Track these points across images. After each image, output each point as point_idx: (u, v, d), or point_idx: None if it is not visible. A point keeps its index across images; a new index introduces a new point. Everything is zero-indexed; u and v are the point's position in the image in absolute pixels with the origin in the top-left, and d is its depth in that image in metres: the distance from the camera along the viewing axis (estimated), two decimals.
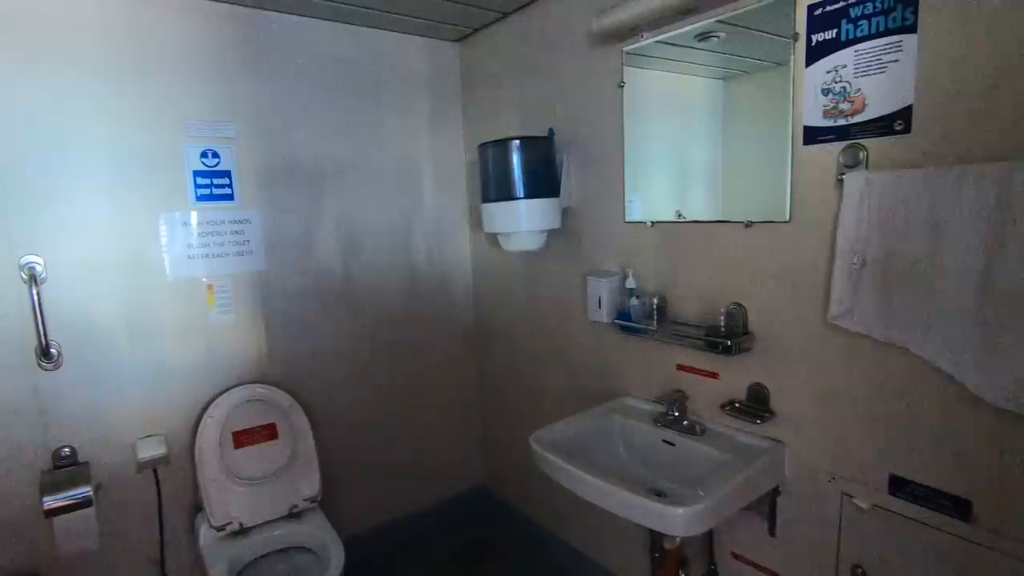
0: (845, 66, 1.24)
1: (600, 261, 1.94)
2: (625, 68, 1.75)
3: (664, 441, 1.63)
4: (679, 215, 1.70)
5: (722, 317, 1.50)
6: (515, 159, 1.92)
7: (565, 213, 2.03)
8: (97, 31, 1.72)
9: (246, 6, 1.95)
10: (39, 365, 1.70)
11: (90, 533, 1.67)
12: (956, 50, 1.08)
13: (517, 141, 1.92)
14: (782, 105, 1.36)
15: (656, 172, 1.82)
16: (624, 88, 1.76)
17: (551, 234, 2.04)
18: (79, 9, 1.69)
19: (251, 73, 2.00)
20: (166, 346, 1.91)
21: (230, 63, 1.95)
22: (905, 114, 1.16)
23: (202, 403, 1.97)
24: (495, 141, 1.96)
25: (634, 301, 1.75)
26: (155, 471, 1.89)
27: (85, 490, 1.66)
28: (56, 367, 1.72)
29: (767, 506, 1.51)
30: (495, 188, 1.97)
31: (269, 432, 2.02)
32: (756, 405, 1.52)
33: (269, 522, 1.95)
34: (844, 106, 1.25)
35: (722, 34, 1.52)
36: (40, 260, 1.67)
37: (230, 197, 1.98)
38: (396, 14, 2.12)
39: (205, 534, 1.87)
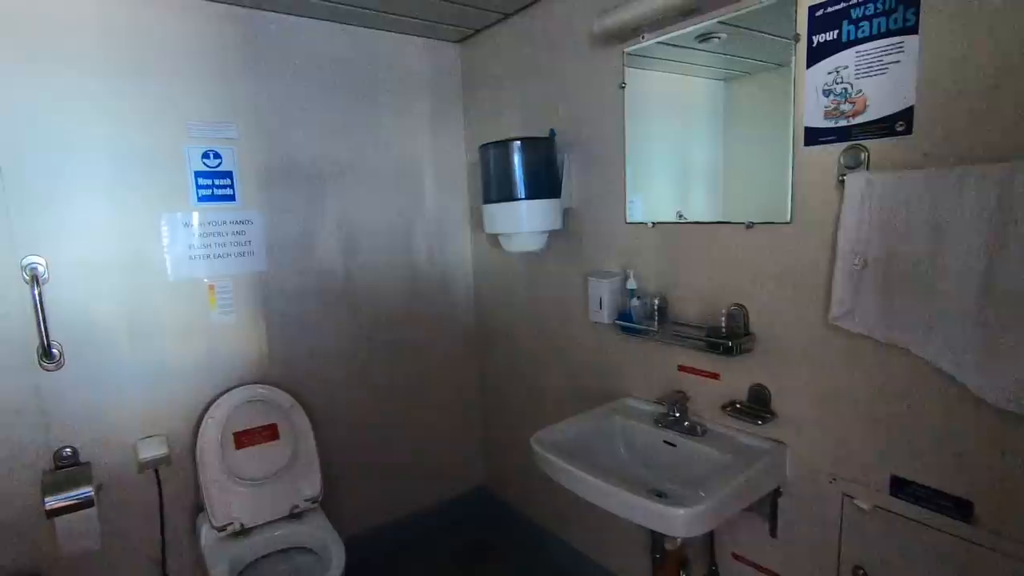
0: (846, 67, 1.24)
1: (601, 262, 1.94)
2: (626, 69, 1.75)
3: (665, 442, 1.63)
4: (680, 216, 1.70)
5: (723, 318, 1.50)
6: (516, 160, 1.92)
7: (566, 214, 2.03)
8: (98, 31, 1.72)
9: (245, 7, 1.95)
10: (41, 365, 1.70)
11: (92, 533, 1.67)
12: (957, 50, 1.08)
13: (518, 142, 1.92)
14: (783, 106, 1.36)
15: (657, 173, 1.82)
16: (625, 89, 1.76)
17: (552, 235, 2.04)
18: (79, 9, 1.69)
19: (252, 74, 2.00)
20: (167, 346, 1.91)
21: (230, 63, 1.96)
22: (906, 115, 1.16)
23: (203, 403, 1.97)
24: (496, 142, 1.96)
25: (635, 302, 1.75)
26: (156, 471, 1.89)
27: (86, 490, 1.66)
28: (58, 367, 1.72)
29: (768, 507, 1.51)
30: (496, 189, 1.97)
31: (270, 432, 2.03)
32: (757, 406, 1.52)
33: (270, 522, 1.95)
34: (845, 107, 1.25)
35: (723, 35, 1.52)
36: (42, 260, 1.68)
37: (231, 198, 1.99)
38: (396, 15, 2.12)
39: (206, 534, 1.87)
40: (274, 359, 2.13)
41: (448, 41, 2.45)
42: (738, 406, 1.56)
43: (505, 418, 2.64)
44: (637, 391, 1.88)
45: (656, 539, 1.74)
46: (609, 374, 1.98)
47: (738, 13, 1.43)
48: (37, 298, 1.64)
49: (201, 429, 1.91)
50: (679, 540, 1.65)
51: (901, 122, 1.17)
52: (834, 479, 1.39)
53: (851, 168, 1.24)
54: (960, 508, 1.18)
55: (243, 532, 1.90)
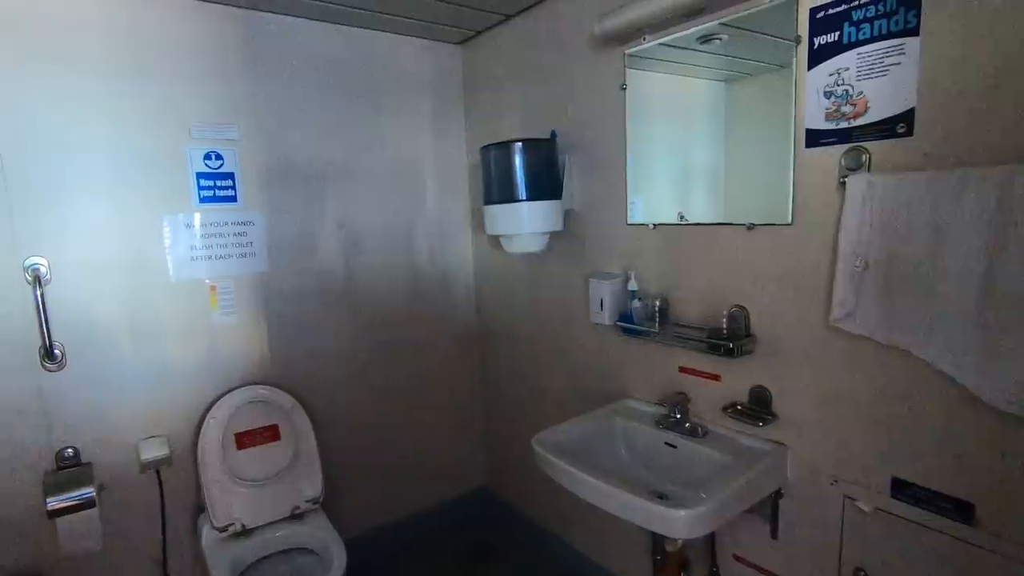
0: (847, 69, 1.24)
1: (602, 263, 1.94)
2: (627, 70, 1.75)
3: (666, 443, 1.63)
4: (681, 217, 1.70)
5: (724, 319, 1.50)
6: (517, 161, 1.92)
7: (567, 215, 2.03)
8: (98, 32, 1.73)
9: (243, 7, 1.94)
10: (43, 366, 1.70)
11: (93, 534, 1.68)
12: (958, 51, 1.09)
13: (519, 143, 1.92)
14: (784, 108, 1.36)
15: (658, 174, 1.83)
16: (626, 90, 1.76)
17: (553, 236, 2.04)
18: (80, 10, 1.69)
19: (253, 74, 2.00)
20: (169, 347, 1.91)
21: (231, 64, 1.96)
22: (907, 117, 1.16)
23: (205, 404, 1.97)
24: (497, 143, 1.96)
25: (636, 303, 1.75)
26: (158, 472, 1.90)
27: (88, 491, 1.66)
28: (60, 368, 1.73)
29: (769, 509, 1.51)
30: (497, 190, 1.98)
31: (271, 433, 2.03)
32: (758, 407, 1.52)
33: (271, 523, 1.96)
34: (846, 109, 1.25)
35: (724, 36, 1.52)
36: (44, 261, 1.68)
37: (233, 199, 1.99)
38: (397, 16, 2.13)
39: (207, 535, 1.88)
40: (275, 360, 2.14)
41: (449, 43, 2.46)
42: (739, 408, 1.56)
43: (506, 418, 2.64)
44: (638, 392, 1.88)
45: (657, 540, 1.74)
46: (610, 375, 1.99)
47: (739, 15, 1.43)
48: (39, 299, 1.64)
49: (202, 430, 1.92)
50: (680, 542, 1.64)
51: (902, 124, 1.17)
52: (835, 481, 1.39)
53: (852, 170, 1.24)
54: (961, 510, 1.18)
55: (244, 533, 1.90)
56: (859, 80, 1.22)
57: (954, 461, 1.18)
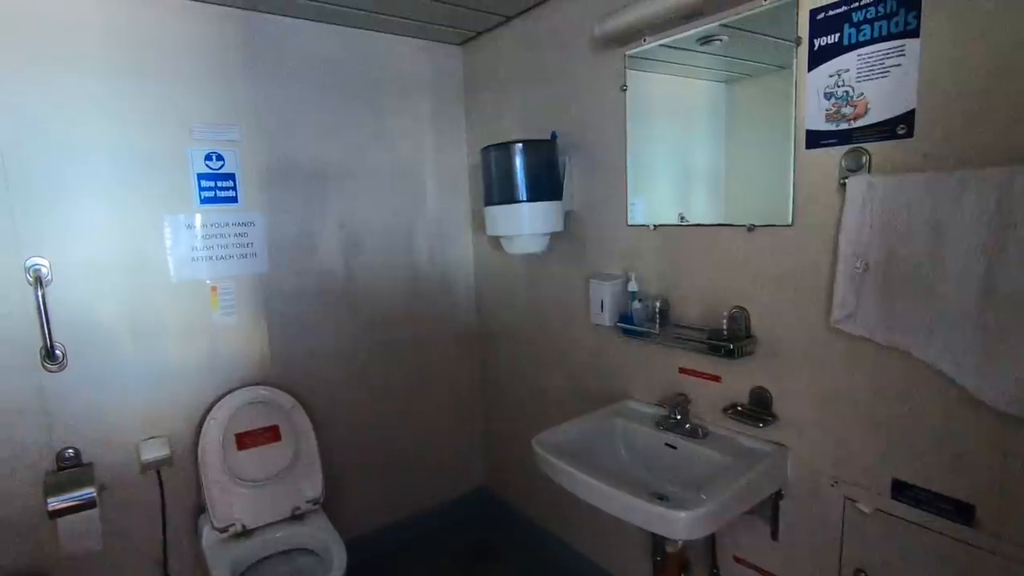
0: (848, 70, 1.24)
1: (603, 264, 1.95)
2: (628, 72, 1.75)
3: (666, 444, 1.63)
4: (682, 218, 1.70)
5: (724, 320, 1.50)
6: (518, 162, 1.92)
7: (567, 216, 2.04)
8: (99, 33, 1.73)
9: (240, 7, 1.94)
10: (44, 366, 1.70)
11: (94, 534, 1.68)
12: (958, 53, 1.09)
13: (520, 144, 1.92)
14: (784, 109, 1.36)
15: (659, 175, 1.83)
16: (627, 91, 1.76)
17: (554, 237, 2.04)
18: (80, 10, 1.70)
19: (253, 75, 2.01)
20: (170, 348, 1.92)
21: (231, 65, 1.96)
22: (908, 118, 1.16)
23: (205, 404, 1.98)
24: (498, 144, 1.96)
25: (636, 304, 1.76)
26: (158, 472, 1.90)
27: (89, 491, 1.67)
28: (60, 368, 1.73)
29: (769, 510, 1.51)
30: (498, 191, 1.98)
31: (272, 434, 2.03)
32: (758, 409, 1.53)
33: (271, 524, 1.96)
34: (846, 110, 1.25)
35: (725, 38, 1.52)
36: (45, 262, 1.68)
37: (234, 200, 1.99)
38: (397, 18, 2.13)
39: (208, 535, 1.88)
40: (275, 360, 2.14)
41: (450, 44, 2.46)
42: (739, 409, 1.56)
43: (506, 419, 2.64)
44: (638, 393, 1.88)
45: (657, 541, 1.74)
46: (610, 376, 1.99)
47: (740, 16, 1.43)
48: (40, 299, 1.65)
49: (203, 430, 1.92)
50: (680, 543, 1.65)
51: (902, 125, 1.17)
52: (835, 482, 1.39)
53: (852, 171, 1.24)
54: (961, 511, 1.18)
55: (245, 533, 1.90)
56: (859, 81, 1.22)
57: (954, 462, 1.18)
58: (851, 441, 1.35)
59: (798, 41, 1.32)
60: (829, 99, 1.28)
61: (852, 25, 1.22)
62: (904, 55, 1.15)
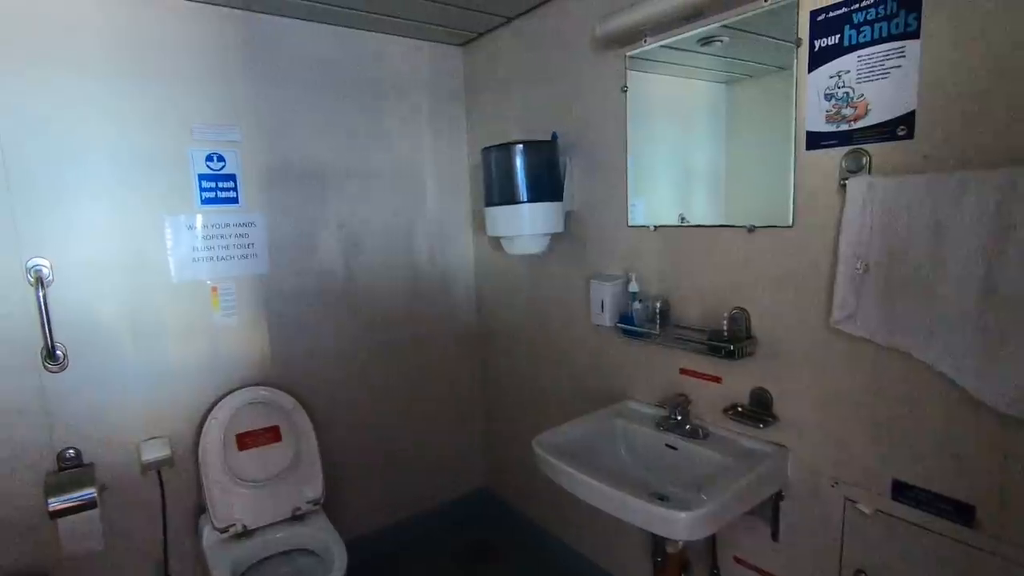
0: (848, 71, 1.24)
1: (603, 265, 1.95)
2: (628, 72, 1.75)
3: (667, 445, 1.63)
4: (682, 219, 1.71)
5: (725, 321, 1.50)
6: (518, 163, 1.92)
7: (568, 217, 2.04)
8: (99, 33, 1.73)
9: (237, 8, 1.94)
10: (44, 367, 1.71)
11: (95, 534, 1.68)
12: (958, 55, 1.09)
13: (520, 145, 1.93)
14: (785, 110, 1.36)
15: (659, 176, 1.83)
16: (627, 92, 1.77)
17: (554, 238, 2.04)
18: (80, 10, 1.70)
19: (254, 76, 2.01)
20: (171, 348, 1.92)
21: (231, 65, 1.96)
22: (908, 119, 1.16)
23: (206, 405, 1.98)
24: (498, 145, 1.96)
25: (637, 305, 1.76)
26: (159, 473, 1.90)
27: (90, 492, 1.67)
28: (61, 369, 1.73)
29: (770, 510, 1.51)
30: (498, 192, 1.98)
31: (272, 434, 2.03)
32: (759, 409, 1.53)
33: (272, 524, 1.96)
34: (847, 111, 1.25)
35: (725, 39, 1.52)
36: (47, 262, 1.68)
37: (235, 200, 1.99)
38: (397, 19, 2.13)
39: (208, 536, 1.88)
40: (276, 360, 2.14)
41: (451, 44, 2.46)
42: (740, 409, 1.56)
43: (506, 419, 2.64)
44: (639, 394, 1.88)
45: (658, 542, 1.74)
46: (611, 376, 1.99)
47: (740, 17, 1.43)
48: (42, 300, 1.65)
49: (204, 430, 1.92)
50: (681, 543, 1.65)
51: (903, 126, 1.17)
52: (836, 483, 1.39)
53: (853, 172, 1.24)
54: (961, 512, 1.18)
55: (245, 534, 1.90)
56: (860, 83, 1.22)
57: (954, 463, 1.18)
58: (851, 442, 1.35)
59: (798, 42, 1.32)
60: (829, 100, 1.28)
61: (852, 26, 1.22)
62: (904, 56, 1.15)
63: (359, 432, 2.39)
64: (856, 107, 1.23)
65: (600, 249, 1.96)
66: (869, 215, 1.20)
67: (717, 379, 1.63)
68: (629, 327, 1.77)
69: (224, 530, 1.87)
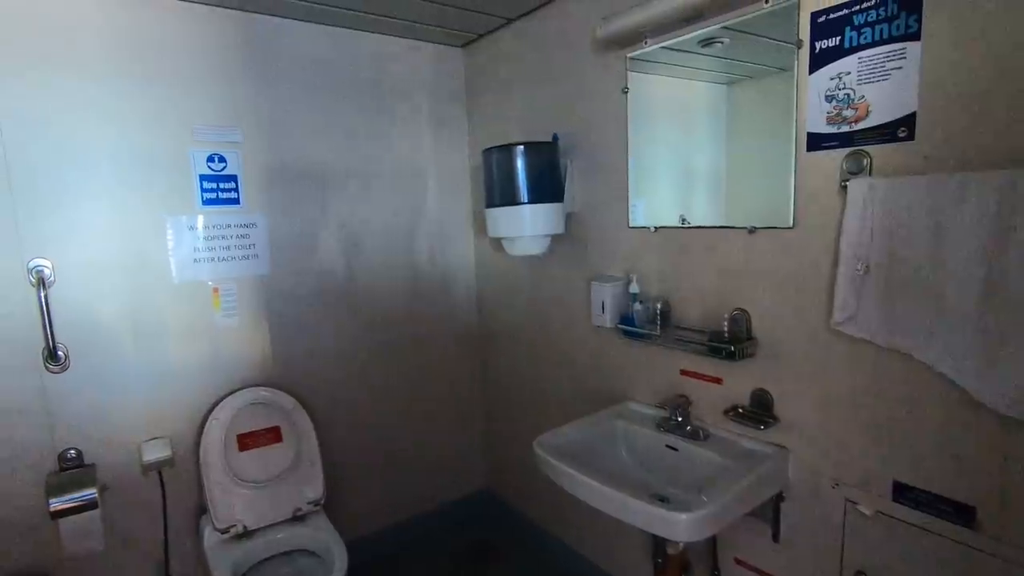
0: (849, 73, 1.24)
1: (604, 266, 1.95)
2: (629, 74, 1.75)
3: (667, 446, 1.63)
4: (683, 220, 1.71)
5: (726, 322, 1.51)
6: (519, 164, 1.92)
7: (569, 218, 2.04)
8: (101, 35, 1.73)
9: (234, 8, 1.94)
10: (46, 367, 1.71)
11: (96, 534, 1.68)
12: (959, 56, 1.09)
13: (521, 146, 1.93)
14: (786, 111, 1.36)
15: (660, 177, 1.83)
16: (628, 94, 1.77)
17: (555, 239, 2.04)
18: (80, 12, 1.70)
19: (254, 77, 2.01)
20: (172, 349, 1.92)
21: (232, 66, 1.96)
22: (908, 121, 1.16)
23: (207, 405, 1.98)
24: (499, 146, 1.96)
25: (638, 306, 1.76)
26: (160, 473, 1.90)
27: (91, 492, 1.67)
28: (63, 369, 1.74)
29: (771, 512, 1.51)
30: (499, 193, 1.98)
31: (273, 435, 2.03)
32: (759, 410, 1.53)
33: (273, 525, 1.96)
34: (848, 113, 1.25)
35: (726, 40, 1.52)
36: (48, 263, 1.69)
37: (236, 201, 2.00)
38: (402, 20, 2.13)
39: (209, 536, 1.88)
40: (277, 361, 2.14)
41: (451, 46, 2.46)
42: (740, 411, 1.56)
43: (507, 420, 2.64)
44: (639, 395, 1.88)
45: (658, 543, 1.74)
46: (611, 378, 1.99)
47: (741, 18, 1.43)
48: (43, 300, 1.65)
49: (205, 431, 1.92)
50: (681, 545, 1.65)
51: (903, 128, 1.17)
52: (836, 484, 1.39)
53: (853, 174, 1.25)
54: (962, 513, 1.18)
55: (246, 534, 1.91)
56: (860, 84, 1.22)
57: (955, 464, 1.18)
58: (852, 443, 1.35)
59: (799, 44, 1.33)
60: (830, 102, 1.28)
61: (853, 28, 1.22)
62: (905, 58, 1.15)
63: (359, 432, 2.39)
64: (857, 108, 1.23)
65: (601, 250, 1.96)
66: (870, 216, 1.20)
67: (718, 380, 1.63)
68: (630, 328, 1.77)
69: (225, 531, 1.87)
